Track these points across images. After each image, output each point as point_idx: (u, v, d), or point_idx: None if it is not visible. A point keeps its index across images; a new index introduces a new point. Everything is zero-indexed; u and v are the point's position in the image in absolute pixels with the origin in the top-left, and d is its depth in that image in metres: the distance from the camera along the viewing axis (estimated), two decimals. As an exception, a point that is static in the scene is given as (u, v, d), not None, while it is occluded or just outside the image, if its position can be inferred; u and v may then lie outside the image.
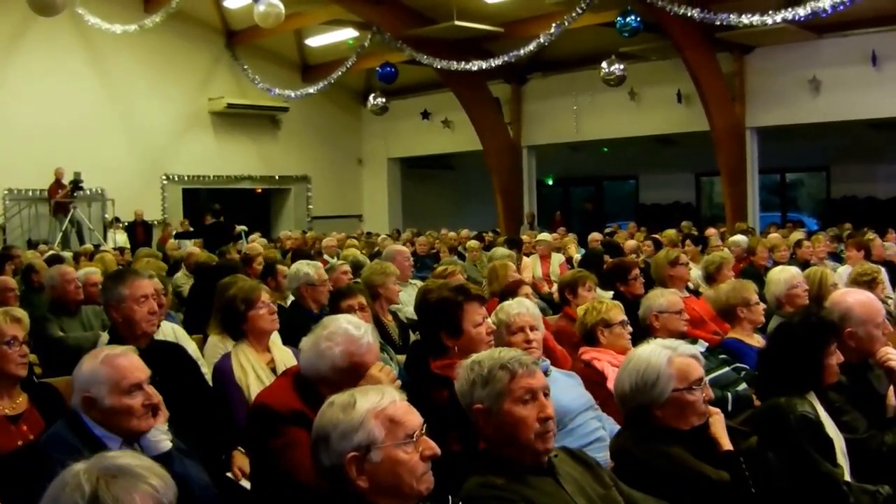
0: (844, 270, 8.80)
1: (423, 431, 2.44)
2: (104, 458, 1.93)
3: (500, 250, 10.06)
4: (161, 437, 3.15)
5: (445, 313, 4.04)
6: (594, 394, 4.22)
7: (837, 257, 10.52)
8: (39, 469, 2.91)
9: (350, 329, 3.40)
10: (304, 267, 6.51)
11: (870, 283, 6.28)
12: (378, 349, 3.48)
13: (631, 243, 12.37)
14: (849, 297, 4.06)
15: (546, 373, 3.93)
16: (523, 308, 4.46)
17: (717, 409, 3.21)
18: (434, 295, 4.23)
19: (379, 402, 2.41)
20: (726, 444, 3.11)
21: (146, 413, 3.12)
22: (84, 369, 3.13)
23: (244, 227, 17.27)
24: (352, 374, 3.29)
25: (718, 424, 3.20)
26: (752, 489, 3.02)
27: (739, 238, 11.41)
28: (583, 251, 13.24)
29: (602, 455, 3.42)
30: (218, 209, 16.50)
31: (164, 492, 1.89)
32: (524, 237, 14.13)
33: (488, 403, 2.77)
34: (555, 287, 9.19)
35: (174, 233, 19.17)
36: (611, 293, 6.83)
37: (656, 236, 12.67)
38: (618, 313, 4.83)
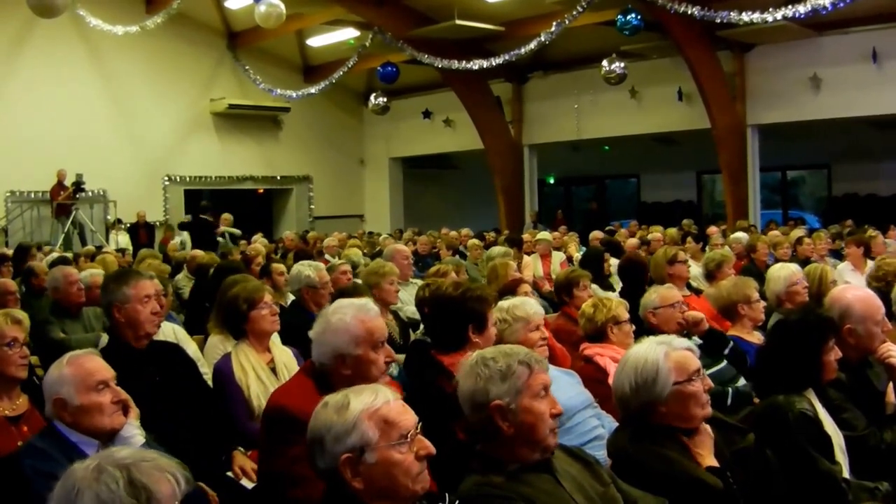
0: (845, 267, 8.81)
1: (418, 431, 2.43)
2: (110, 453, 1.92)
3: (498, 249, 10.05)
4: (133, 432, 3.20)
5: (478, 309, 4.08)
6: (595, 390, 4.23)
7: (838, 254, 10.51)
8: (19, 480, 2.94)
9: (353, 301, 3.47)
10: (306, 269, 6.47)
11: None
12: (384, 322, 3.49)
13: (632, 241, 12.37)
14: (848, 294, 4.05)
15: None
16: (537, 307, 4.54)
17: (708, 427, 3.19)
18: (465, 290, 4.23)
19: (372, 403, 2.40)
20: (708, 461, 3.08)
21: (117, 410, 3.18)
22: (52, 374, 3.19)
23: (232, 230, 17.16)
24: (368, 342, 3.28)
25: (707, 442, 3.17)
26: (740, 500, 3.01)
27: (740, 235, 11.41)
28: (584, 250, 13.25)
29: (601, 453, 3.41)
30: (205, 205, 16.47)
31: (181, 475, 1.89)
32: (525, 236, 14.12)
33: (508, 399, 2.75)
34: (556, 286, 9.20)
35: (178, 224, 19.21)
36: (611, 292, 6.86)
37: (647, 238, 12.66)
38: (623, 312, 4.88)
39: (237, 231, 17.74)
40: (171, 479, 1.86)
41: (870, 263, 8.82)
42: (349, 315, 3.32)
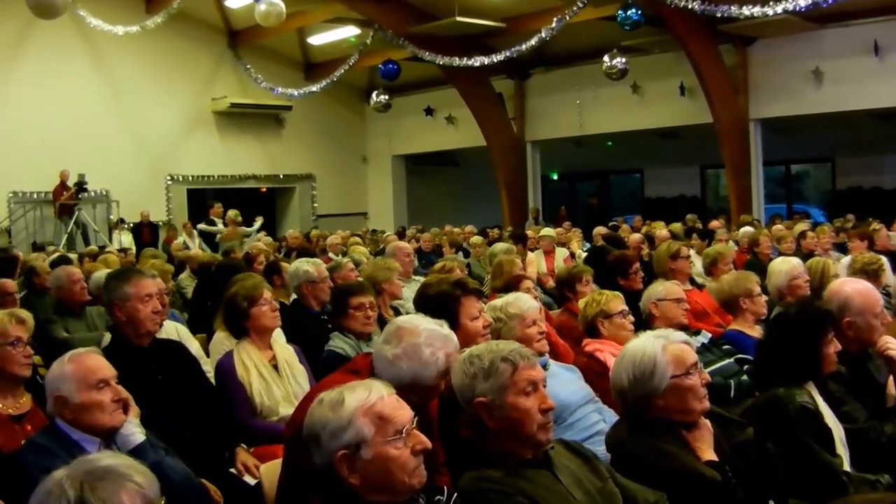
0: (848, 261, 8.81)
1: (414, 426, 2.43)
2: (85, 461, 1.95)
3: (501, 245, 10.04)
4: (134, 430, 3.22)
5: (443, 307, 4.04)
6: (598, 385, 4.25)
7: (843, 248, 10.50)
8: (18, 479, 2.94)
9: (439, 330, 3.32)
10: (304, 265, 6.51)
11: (875, 273, 6.30)
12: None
13: (635, 237, 12.36)
14: (847, 287, 4.05)
15: (545, 367, 3.95)
16: (532, 302, 4.53)
17: (708, 422, 3.20)
18: (432, 289, 4.26)
19: (367, 399, 2.40)
20: (707, 455, 3.08)
21: (117, 408, 3.20)
22: (53, 372, 3.22)
23: (261, 218, 17.43)
24: (445, 375, 3.20)
25: (706, 436, 3.16)
26: (740, 493, 3.01)
27: (748, 230, 11.42)
28: (587, 245, 13.25)
29: (602, 448, 3.42)
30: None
31: (149, 487, 1.92)
32: (529, 232, 14.13)
33: (491, 396, 2.77)
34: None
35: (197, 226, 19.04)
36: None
37: (651, 233, 12.64)
38: (617, 304, 4.86)
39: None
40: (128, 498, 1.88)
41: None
42: (442, 352, 3.21)
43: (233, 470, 4.05)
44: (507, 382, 2.78)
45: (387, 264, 6.55)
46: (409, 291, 7.26)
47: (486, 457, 2.76)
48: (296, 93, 21.41)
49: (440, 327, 3.33)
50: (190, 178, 22.14)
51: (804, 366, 3.58)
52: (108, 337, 5.15)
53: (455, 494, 2.62)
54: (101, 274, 7.41)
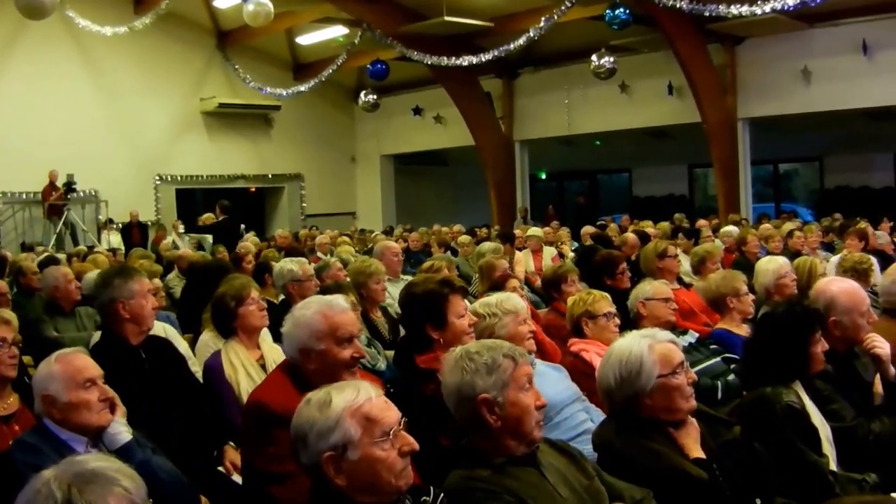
0: (837, 260, 8.83)
1: (402, 427, 2.43)
2: (74, 462, 1.95)
3: (487, 245, 10.03)
4: (120, 429, 3.23)
5: (431, 305, 4.06)
6: (583, 384, 4.24)
7: (830, 247, 10.54)
8: (8, 478, 2.93)
9: (322, 297, 3.53)
10: (289, 264, 6.53)
11: (864, 273, 6.33)
12: (356, 318, 3.51)
13: (630, 236, 12.34)
14: (833, 286, 4.07)
15: (532, 366, 3.95)
16: (522, 301, 4.55)
17: (694, 420, 3.21)
18: (420, 288, 4.25)
19: (354, 400, 2.40)
20: (695, 453, 3.08)
21: (104, 407, 3.21)
22: (41, 372, 3.23)
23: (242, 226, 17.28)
24: (333, 338, 3.29)
25: (693, 435, 3.16)
26: (727, 491, 3.02)
27: (731, 229, 11.43)
28: (575, 245, 13.26)
29: (589, 447, 3.43)
30: (227, 205, 16.44)
31: (137, 492, 1.92)
32: (517, 231, 14.13)
33: (494, 392, 2.76)
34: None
35: (181, 230, 18.95)
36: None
37: (644, 230, 12.63)
38: (604, 305, 4.85)
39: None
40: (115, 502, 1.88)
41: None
42: (311, 310, 3.36)
43: (221, 468, 4.05)
44: (509, 378, 2.78)
45: (366, 268, 6.40)
46: (396, 291, 7.25)
47: (473, 455, 2.75)
48: (284, 93, 21.41)
49: (327, 298, 3.49)
50: (179, 178, 22.10)
51: (791, 365, 3.59)
52: (96, 336, 5.14)
53: (441, 494, 2.61)
54: (93, 274, 7.44)
